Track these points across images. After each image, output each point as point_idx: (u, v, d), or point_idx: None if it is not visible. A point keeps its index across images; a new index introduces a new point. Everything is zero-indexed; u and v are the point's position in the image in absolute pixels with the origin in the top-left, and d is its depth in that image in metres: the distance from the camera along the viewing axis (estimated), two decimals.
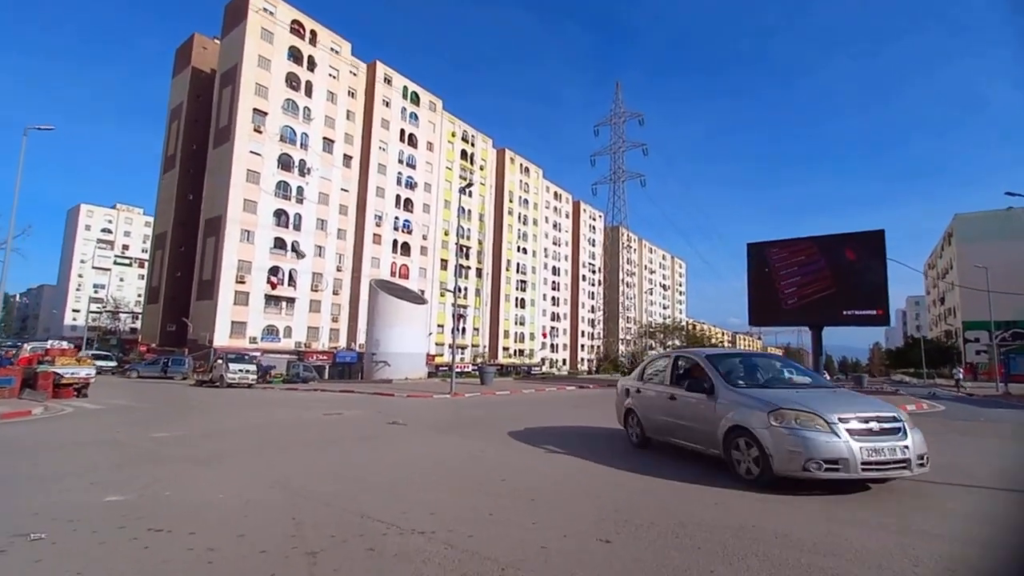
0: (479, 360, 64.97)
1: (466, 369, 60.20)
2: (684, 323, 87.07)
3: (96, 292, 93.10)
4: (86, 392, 16.16)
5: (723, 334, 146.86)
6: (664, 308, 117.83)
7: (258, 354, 39.55)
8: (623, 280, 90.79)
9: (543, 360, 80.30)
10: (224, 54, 50.40)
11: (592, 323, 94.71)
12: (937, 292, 74.66)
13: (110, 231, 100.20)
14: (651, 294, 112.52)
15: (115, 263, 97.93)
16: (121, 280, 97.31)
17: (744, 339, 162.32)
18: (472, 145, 71.65)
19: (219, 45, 52.42)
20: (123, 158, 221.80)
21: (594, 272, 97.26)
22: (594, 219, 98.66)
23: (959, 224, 60.40)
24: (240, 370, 23.70)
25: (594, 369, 70.03)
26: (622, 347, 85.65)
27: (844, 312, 20.04)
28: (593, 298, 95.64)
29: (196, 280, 47.63)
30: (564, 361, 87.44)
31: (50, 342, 17.95)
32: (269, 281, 47.09)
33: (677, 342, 75.44)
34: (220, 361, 24.00)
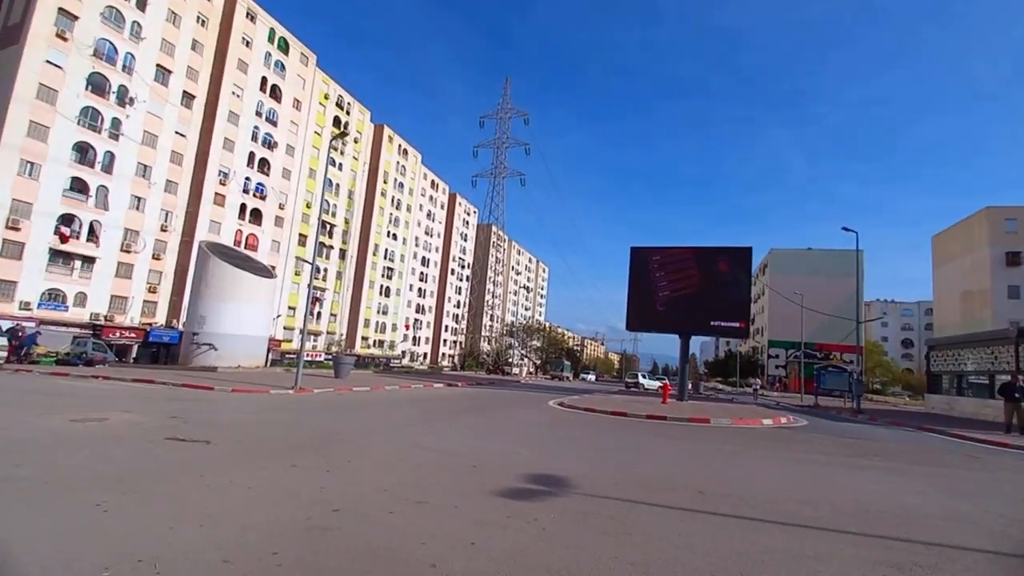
0: (334, 349, 59.09)
1: (319, 358, 54.22)
2: (544, 325, 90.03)
3: None
4: None
5: (574, 338, 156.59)
6: (526, 309, 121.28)
7: (31, 324, 30.09)
8: (491, 278, 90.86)
9: (403, 353, 76.45)
10: None
11: (456, 318, 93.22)
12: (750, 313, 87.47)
13: None
14: (516, 295, 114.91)
15: None
16: None
17: (590, 344, 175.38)
18: (347, 113, 65.14)
19: None
20: None
21: (463, 267, 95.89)
22: (468, 214, 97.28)
23: (774, 257, 71.05)
24: None
25: (458, 365, 68.43)
26: (485, 344, 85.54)
27: (712, 323, 20.79)
28: (460, 293, 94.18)
29: None
30: (425, 355, 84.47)
31: None
32: (59, 232, 36.60)
33: (537, 343, 77.45)
34: None
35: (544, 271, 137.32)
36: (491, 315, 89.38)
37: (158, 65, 43.29)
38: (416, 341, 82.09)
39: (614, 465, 7.41)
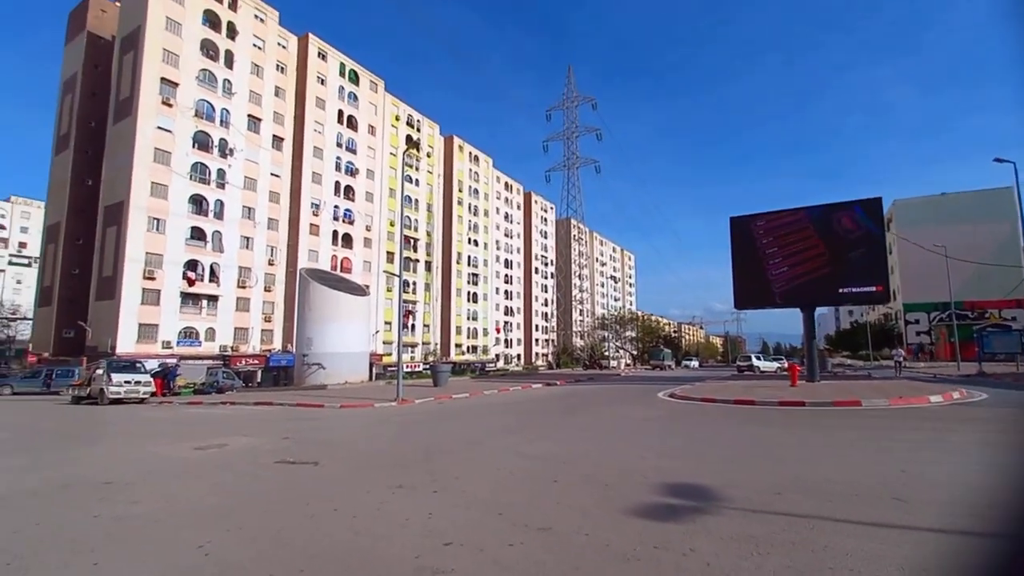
0: (431, 358, 61.03)
1: (417, 369, 56.24)
2: (637, 314, 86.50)
3: None
4: None
5: (670, 324, 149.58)
6: (615, 300, 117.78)
7: (172, 360, 34.00)
8: (575, 272, 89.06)
9: (497, 356, 77.25)
10: (124, 15, 43.59)
11: (546, 316, 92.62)
12: None
13: (3, 227, 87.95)
14: (603, 286, 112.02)
15: (10, 263, 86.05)
16: (18, 283, 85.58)
17: (688, 329, 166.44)
18: (418, 131, 67.19)
19: (119, 7, 45.39)
20: (20, 143, 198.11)
21: (546, 264, 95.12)
22: (545, 211, 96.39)
23: (898, 210, 62.36)
24: (126, 381, 18.90)
25: (553, 363, 67.65)
26: (577, 340, 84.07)
27: (840, 290, 18.08)
28: (546, 291, 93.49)
29: (96, 277, 40.94)
30: (519, 356, 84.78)
31: None
32: (186, 277, 41.11)
33: (631, 333, 74.58)
34: (100, 371, 19.05)
35: (630, 259, 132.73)
36: (580, 309, 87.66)
37: (249, 115, 47.31)
38: (508, 343, 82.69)
39: (764, 467, 6.14)
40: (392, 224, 61.35)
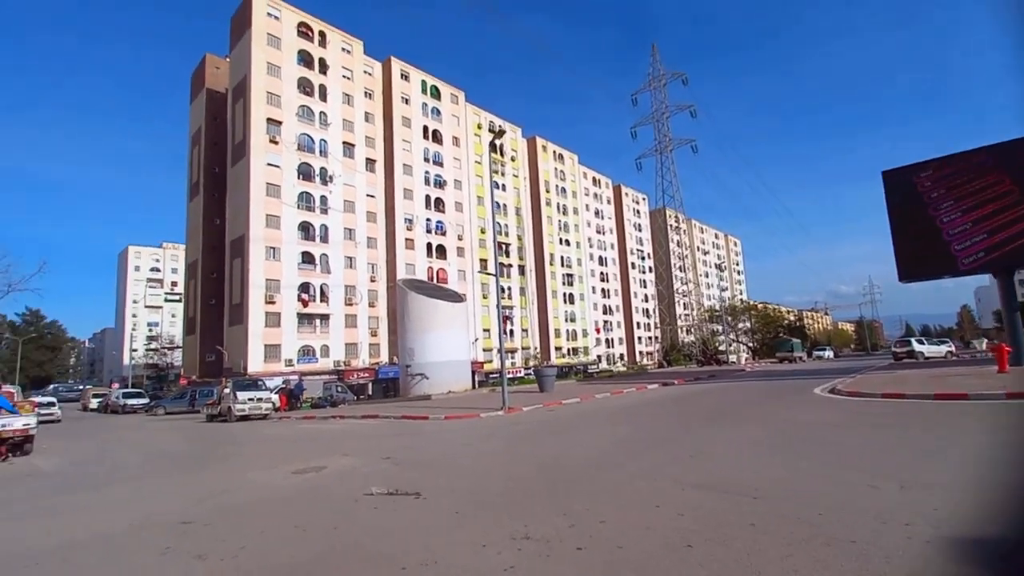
0: (531, 363, 59.98)
1: (518, 374, 55.40)
2: (752, 303, 78.71)
3: (151, 330, 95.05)
4: (29, 447, 12.32)
5: (792, 312, 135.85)
6: (722, 290, 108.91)
7: (294, 377, 36.14)
8: (675, 264, 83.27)
9: (599, 357, 74.33)
10: (234, 67, 48.12)
11: (647, 313, 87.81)
12: None
13: (158, 269, 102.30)
14: (707, 276, 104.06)
15: (165, 300, 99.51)
16: (173, 316, 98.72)
17: (810, 316, 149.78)
18: (500, 138, 66.96)
19: (229, 61, 50.30)
20: (167, 196, 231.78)
21: (643, 259, 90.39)
22: (637, 202, 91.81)
23: None
24: (250, 399, 19.67)
25: (663, 361, 63.17)
26: (683, 335, 78.51)
27: None
28: (645, 286, 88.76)
29: (227, 305, 45.18)
30: (621, 356, 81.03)
31: None
32: (300, 299, 43.94)
33: (748, 324, 67.84)
34: (227, 391, 20.08)
35: (735, 245, 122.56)
36: (684, 303, 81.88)
37: (344, 142, 49.91)
38: (609, 343, 79.41)
39: None
40: (483, 231, 61.56)
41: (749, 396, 15.13)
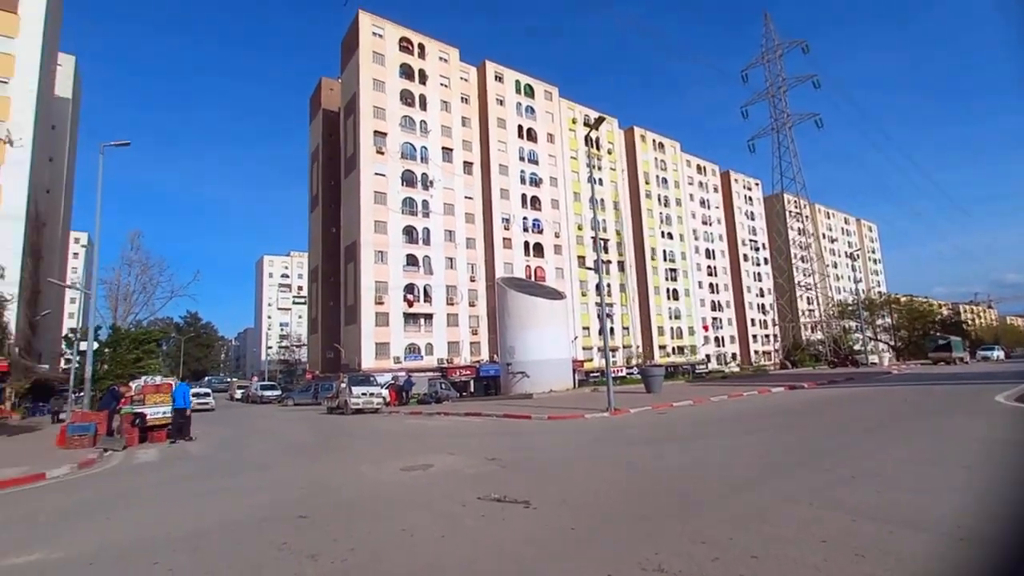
0: (633, 362, 57.72)
1: (619, 374, 53.51)
2: (895, 297, 68.63)
3: (282, 330, 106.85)
4: (186, 432, 13.94)
5: (940, 305, 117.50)
6: (855, 282, 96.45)
7: (403, 374, 38.14)
8: (797, 255, 75.08)
9: (708, 357, 69.55)
10: (344, 87, 52.06)
11: (763, 308, 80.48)
12: None
13: (287, 276, 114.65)
14: (835, 267, 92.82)
15: (293, 303, 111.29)
16: (299, 317, 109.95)
17: (969, 310, 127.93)
18: (596, 129, 65.25)
19: (341, 82, 54.55)
20: (294, 209, 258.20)
21: (757, 250, 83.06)
22: (749, 188, 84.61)
23: None
24: (364, 394, 20.85)
25: (785, 362, 57.08)
26: (807, 333, 70.74)
27: None
28: (760, 280, 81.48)
29: (343, 306, 48.98)
30: (734, 356, 75.14)
31: (144, 378, 16.56)
32: (405, 299, 46.30)
33: (889, 320, 59.32)
34: (343, 385, 21.51)
35: (870, 230, 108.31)
36: (807, 297, 73.79)
37: (442, 147, 51.80)
38: (719, 342, 74.03)
39: None
40: (580, 228, 60.52)
41: (909, 404, 12.75)
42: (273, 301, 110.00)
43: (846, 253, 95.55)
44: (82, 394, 18.28)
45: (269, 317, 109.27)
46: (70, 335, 31.43)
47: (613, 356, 59.76)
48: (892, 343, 58.20)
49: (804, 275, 70.97)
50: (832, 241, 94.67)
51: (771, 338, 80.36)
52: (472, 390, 42.20)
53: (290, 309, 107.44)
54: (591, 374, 51.70)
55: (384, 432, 14.16)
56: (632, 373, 51.80)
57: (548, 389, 24.32)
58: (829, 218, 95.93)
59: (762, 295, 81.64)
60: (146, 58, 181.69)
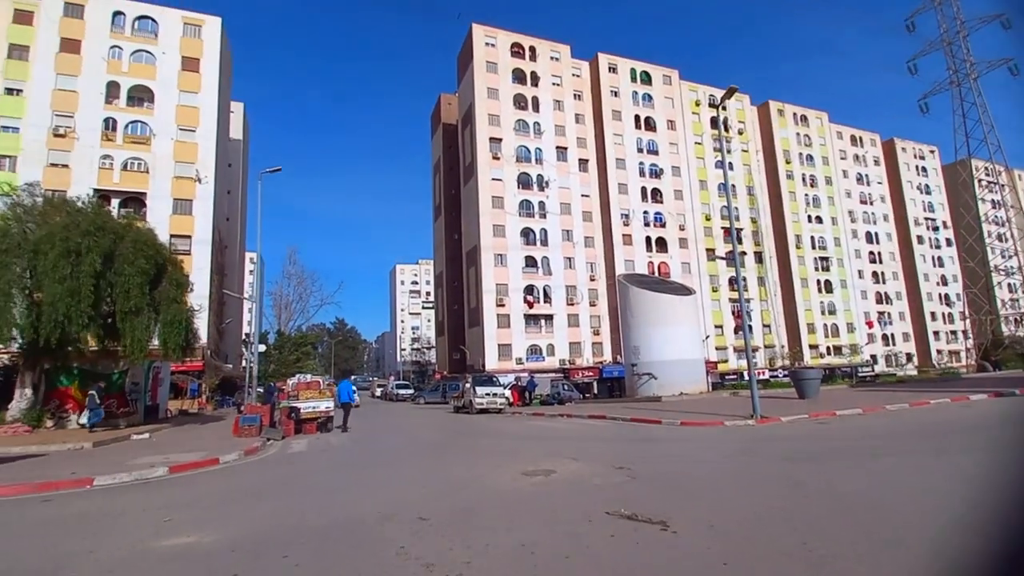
0: (777, 363, 51.74)
1: (762, 376, 48.15)
2: None
3: (414, 333, 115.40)
4: (331, 426, 15.24)
5: None
6: None
7: (525, 374, 38.44)
8: (991, 232, 60.95)
9: (872, 357, 59.79)
10: (461, 99, 54.41)
11: (946, 300, 67.06)
12: None
13: (416, 282, 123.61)
14: None
15: (423, 308, 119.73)
16: (428, 321, 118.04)
17: None
18: (723, 109, 60.03)
19: (457, 96, 57.18)
20: (422, 219, 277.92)
21: (935, 230, 69.53)
22: (921, 157, 71.32)
23: None
24: (487, 394, 21.17)
25: (983, 363, 46.30)
26: (1010, 327, 57.34)
27: None
28: (941, 265, 68.04)
29: (466, 309, 51.03)
30: (908, 356, 63.66)
31: (298, 376, 18.42)
32: (525, 300, 46.74)
33: None
34: (468, 386, 22.08)
35: None
36: (1008, 284, 59.66)
37: (557, 147, 51.50)
38: (888, 340, 63.24)
39: None
40: (708, 218, 56.08)
41: None
42: (405, 306, 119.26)
43: None
44: (255, 389, 21.15)
45: (402, 321, 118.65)
46: (246, 339, 36.94)
47: (754, 357, 54.15)
48: None
49: (1003, 257, 57.53)
50: None
51: (959, 335, 66.45)
52: (595, 392, 41.07)
53: (420, 314, 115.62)
54: (727, 376, 47.40)
55: (507, 433, 14.01)
56: (776, 376, 46.42)
57: (678, 392, 22.47)
58: None
59: (944, 283, 68.03)
60: (291, 97, 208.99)
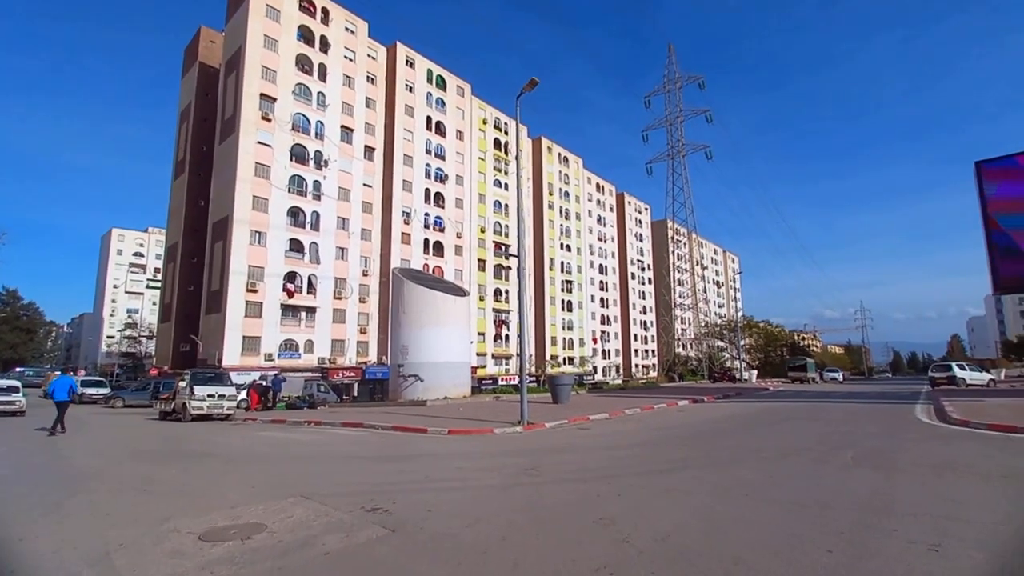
0: (536, 371, 57.07)
1: (512, 382, 52.36)
2: (754, 321, 76.48)
3: (130, 317, 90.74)
4: None
5: (795, 334, 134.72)
6: (719, 307, 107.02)
7: (273, 373, 32.88)
8: (675, 278, 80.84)
9: (595, 368, 71.60)
10: (228, 39, 45.12)
11: (644, 325, 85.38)
12: None
13: (142, 254, 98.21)
14: (705, 291, 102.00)
15: (147, 286, 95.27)
16: (153, 304, 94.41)
17: (801, 336, 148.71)
18: (505, 133, 64.49)
19: (224, 35, 47.26)
20: (156, 178, 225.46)
21: (643, 270, 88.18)
22: (640, 212, 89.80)
23: None
24: (209, 395, 16.50)
25: (672, 375, 59.88)
26: (679, 349, 76.04)
27: None
28: (644, 298, 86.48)
29: (205, 292, 41.89)
30: (617, 368, 78.39)
31: None
32: (285, 289, 40.77)
33: (748, 341, 65.57)
34: (184, 384, 16.89)
35: (733, 261, 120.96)
36: (682, 317, 79.52)
37: (342, 126, 46.96)
38: (606, 354, 76.76)
39: None
40: (483, 230, 58.90)
41: (847, 421, 12.41)
42: (121, 283, 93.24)
43: (714, 280, 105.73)
44: None
45: (114, 301, 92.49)
46: None
47: (507, 364, 58.74)
48: (751, 362, 64.45)
49: (680, 297, 76.51)
50: (704, 268, 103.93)
51: (650, 353, 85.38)
52: (355, 394, 37.91)
53: (143, 294, 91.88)
54: (483, 381, 49.93)
55: (219, 452, 10.56)
56: (535, 383, 51.12)
57: (444, 396, 21.81)
58: (702, 247, 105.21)
59: (644, 312, 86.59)
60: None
